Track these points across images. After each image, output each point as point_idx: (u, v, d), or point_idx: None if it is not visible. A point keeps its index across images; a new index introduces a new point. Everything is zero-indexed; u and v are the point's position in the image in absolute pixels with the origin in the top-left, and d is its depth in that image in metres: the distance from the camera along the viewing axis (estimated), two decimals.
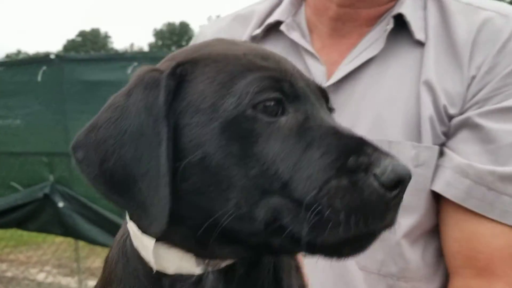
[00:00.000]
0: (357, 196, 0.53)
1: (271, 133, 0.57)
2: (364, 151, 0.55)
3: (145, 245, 0.65)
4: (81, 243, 5.89)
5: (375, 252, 1.01)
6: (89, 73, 5.35)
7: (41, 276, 6.52)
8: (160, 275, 0.65)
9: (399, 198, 0.55)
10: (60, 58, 5.58)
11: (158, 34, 64.13)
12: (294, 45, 1.18)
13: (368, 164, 0.54)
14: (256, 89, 0.58)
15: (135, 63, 5.22)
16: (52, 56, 5.62)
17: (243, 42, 0.74)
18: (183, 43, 61.62)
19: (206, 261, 0.62)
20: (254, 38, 1.23)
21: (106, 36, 64.93)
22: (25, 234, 7.01)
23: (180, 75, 0.62)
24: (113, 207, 5.26)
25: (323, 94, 0.66)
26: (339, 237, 0.53)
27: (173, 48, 59.51)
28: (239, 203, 0.56)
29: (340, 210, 0.52)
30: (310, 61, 1.15)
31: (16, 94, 5.65)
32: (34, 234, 6.59)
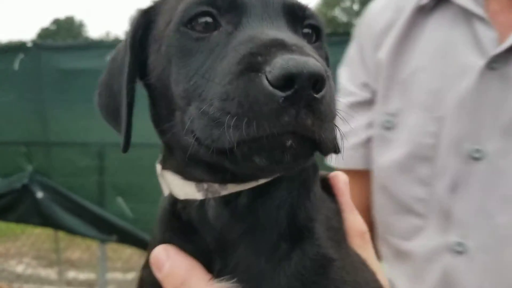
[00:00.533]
0: (244, 97, 0.50)
1: (199, 49, 0.59)
2: (269, 51, 0.51)
3: (159, 174, 0.72)
4: (60, 234, 5.84)
5: None
6: (67, 61, 5.27)
7: (20, 268, 6.46)
8: (176, 201, 0.69)
9: (303, 98, 0.49)
10: (37, 46, 5.48)
11: None
12: (464, 11, 1.12)
13: (262, 63, 0.50)
14: (186, 6, 0.60)
15: (114, 51, 5.15)
16: (29, 44, 5.50)
17: None
18: None
19: (205, 187, 0.63)
20: (422, 8, 1.19)
21: (81, 25, 63.76)
22: (3, 225, 6.92)
23: (152, 13, 0.68)
24: (94, 196, 5.25)
25: (288, 8, 0.61)
26: (230, 140, 0.51)
27: None
28: (179, 119, 0.58)
29: (228, 113, 0.51)
30: (478, 26, 1.09)
31: None
32: (12, 225, 6.51)
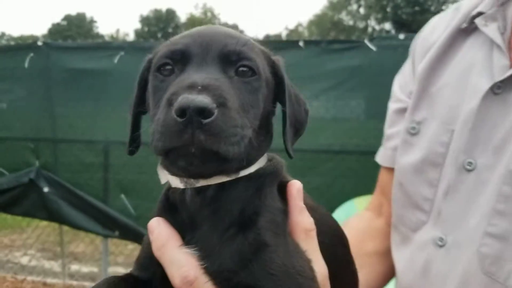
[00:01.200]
0: (161, 122, 0.75)
1: (162, 87, 0.83)
2: (180, 92, 0.74)
3: (158, 169, 0.92)
4: (65, 228, 5.99)
5: (506, 262, 1.10)
6: (76, 61, 5.42)
7: (24, 260, 6.62)
8: (169, 187, 0.90)
9: (194, 122, 0.72)
10: (47, 45, 5.63)
11: (145, 20, 63.50)
12: (490, 39, 1.24)
13: (174, 100, 0.74)
14: (157, 58, 0.86)
15: (122, 53, 5.31)
16: (39, 43, 5.66)
17: (211, 25, 0.94)
18: (169, 30, 61.10)
19: (185, 180, 0.85)
20: (461, 31, 1.31)
21: (92, 21, 64.07)
22: (9, 218, 7.09)
23: (152, 60, 0.91)
24: (98, 193, 5.39)
25: (223, 56, 0.83)
26: (159, 146, 0.75)
27: (159, 35, 58.91)
28: (154, 137, 0.79)
29: (158, 132, 0.75)
30: (495, 54, 1.21)
31: (3, 80, 5.71)
32: (18, 218, 6.67)
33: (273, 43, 5.45)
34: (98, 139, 5.47)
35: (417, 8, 48.19)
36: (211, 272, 0.80)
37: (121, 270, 6.39)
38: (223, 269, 0.79)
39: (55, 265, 6.42)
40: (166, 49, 0.85)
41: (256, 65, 0.85)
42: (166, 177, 0.89)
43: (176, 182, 0.86)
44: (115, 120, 5.41)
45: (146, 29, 62.59)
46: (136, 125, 0.94)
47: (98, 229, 5.47)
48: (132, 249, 6.91)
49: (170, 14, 62.71)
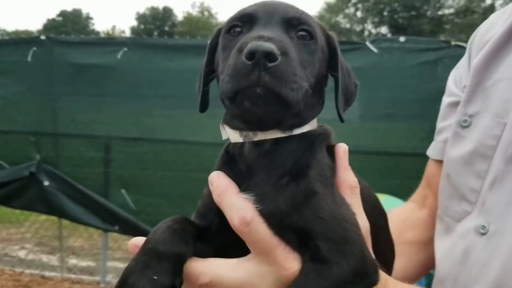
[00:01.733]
0: (232, 66, 0.84)
1: (231, 45, 0.92)
2: (249, 41, 0.83)
3: (221, 126, 1.02)
4: (64, 222, 6.01)
5: None
6: (79, 56, 5.44)
7: (22, 253, 6.63)
8: (229, 143, 1.00)
9: (261, 64, 0.80)
10: (51, 39, 5.63)
11: (141, 18, 63.27)
12: None
13: (244, 47, 0.83)
14: (227, 22, 0.97)
15: (125, 48, 5.34)
16: (42, 37, 5.68)
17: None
18: (166, 28, 60.98)
19: (244, 134, 0.95)
20: None
21: (88, 18, 63.85)
22: (8, 211, 7.09)
23: (219, 30, 1.02)
24: (99, 187, 5.41)
25: (286, 20, 0.93)
26: (228, 88, 0.84)
27: (156, 33, 58.71)
28: (220, 85, 0.90)
29: (228, 75, 0.85)
30: None
31: (5, 73, 5.71)
32: (16, 211, 6.68)
33: None
34: (99, 133, 5.49)
35: (413, 13, 48.43)
36: (266, 214, 0.88)
37: (119, 265, 6.42)
38: (276, 212, 0.87)
39: (53, 259, 6.43)
40: (236, 14, 0.96)
41: (314, 30, 0.95)
42: (227, 133, 0.99)
43: (236, 137, 0.96)
44: (117, 115, 5.46)
45: (142, 26, 62.39)
46: (205, 85, 1.04)
47: (98, 223, 5.50)
48: None
49: (167, 12, 62.58)
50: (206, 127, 5.38)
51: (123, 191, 5.44)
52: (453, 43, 4.98)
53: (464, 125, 1.37)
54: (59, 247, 6.18)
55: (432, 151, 1.57)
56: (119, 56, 5.32)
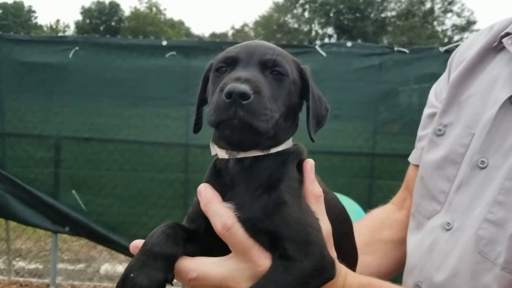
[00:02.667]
0: (215, 102, 1.02)
1: (219, 81, 1.09)
2: (229, 82, 1.01)
3: (211, 143, 1.18)
4: (13, 224, 5.88)
5: (498, 244, 1.25)
6: (28, 55, 5.35)
7: None
8: (217, 159, 1.16)
9: (237, 102, 0.98)
10: None
11: (86, 12, 61.48)
12: None
13: (224, 88, 1.00)
14: (215, 63, 1.15)
15: (77, 47, 5.29)
16: None
17: (258, 41, 1.23)
18: (113, 23, 59.54)
19: (229, 152, 1.12)
20: (492, 48, 1.47)
21: (30, 11, 61.37)
22: None
23: (211, 64, 1.21)
24: (48, 188, 5.33)
25: (262, 62, 1.11)
26: (212, 119, 1.03)
27: (102, 28, 57.17)
28: (209, 113, 1.06)
29: (211, 109, 1.04)
30: None
31: None
32: None
33: (224, 43, 5.54)
34: (49, 133, 5.42)
35: (358, 15, 49.73)
36: (243, 220, 1.04)
37: (69, 267, 6.35)
38: (251, 218, 1.04)
39: None
40: (222, 56, 1.16)
41: (286, 70, 1.13)
42: (215, 150, 1.15)
43: (223, 154, 1.13)
44: (68, 115, 5.39)
45: (87, 21, 60.66)
46: (198, 110, 1.22)
47: (48, 224, 5.43)
48: (80, 245, 6.85)
49: (114, 7, 61.13)
50: (159, 128, 5.43)
51: (73, 191, 5.39)
52: (396, 48, 5.26)
53: (439, 133, 1.53)
54: (6, 250, 6.03)
55: (412, 157, 1.71)
56: (70, 55, 5.27)
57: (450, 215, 1.42)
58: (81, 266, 6.52)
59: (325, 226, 1.10)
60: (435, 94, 1.68)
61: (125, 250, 5.32)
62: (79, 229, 5.41)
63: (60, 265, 6.22)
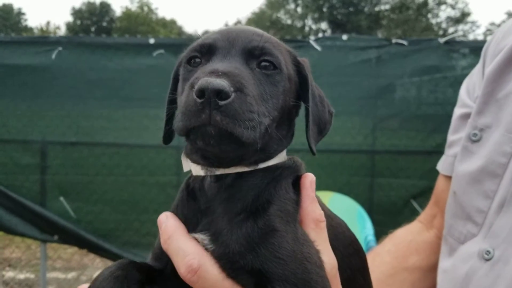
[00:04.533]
0: (183, 103, 0.80)
1: (190, 75, 0.86)
2: (202, 76, 0.79)
3: (182, 157, 0.95)
4: (0, 233, 5.66)
5: None
6: (9, 56, 5.11)
7: None
8: (191, 176, 0.94)
9: (211, 103, 0.76)
10: None
11: (77, 13, 61.03)
12: None
13: (195, 83, 0.78)
14: (187, 53, 0.92)
15: (60, 48, 5.07)
16: None
17: (239, 25, 0.98)
18: (104, 24, 59.18)
19: (207, 168, 0.89)
20: None
21: (20, 13, 60.88)
22: None
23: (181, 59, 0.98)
24: (35, 195, 5.12)
25: (247, 50, 0.88)
26: (180, 126, 0.80)
27: (93, 29, 56.89)
28: (177, 118, 0.83)
29: (178, 113, 0.81)
30: None
31: None
32: None
33: None
34: (34, 138, 5.19)
35: (351, 9, 49.58)
36: (218, 255, 0.81)
37: (60, 276, 6.13)
38: (229, 251, 0.80)
39: None
40: (196, 43, 0.92)
41: (278, 60, 0.88)
42: (188, 165, 0.93)
43: (198, 170, 0.91)
44: (53, 118, 5.17)
45: (78, 22, 60.24)
46: (169, 114, 0.97)
47: (36, 233, 5.20)
48: (71, 253, 6.64)
49: (104, 7, 60.73)
50: (149, 130, 5.22)
51: (61, 198, 5.17)
52: (394, 40, 5.06)
53: (474, 139, 1.27)
54: None
55: (441, 166, 1.46)
56: (53, 56, 5.05)
57: (489, 241, 1.16)
58: (73, 274, 6.32)
59: (329, 259, 0.86)
60: (467, 90, 1.41)
61: (117, 258, 5.10)
62: (69, 237, 5.18)
63: (52, 274, 6.02)
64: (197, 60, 0.90)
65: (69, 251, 6.41)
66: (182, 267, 0.81)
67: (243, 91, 0.79)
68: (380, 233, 2.23)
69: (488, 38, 1.39)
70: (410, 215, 2.11)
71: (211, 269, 0.80)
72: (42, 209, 5.15)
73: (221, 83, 0.76)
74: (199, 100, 0.76)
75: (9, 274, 6.14)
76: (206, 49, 0.89)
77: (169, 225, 0.87)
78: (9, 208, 5.12)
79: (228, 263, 0.80)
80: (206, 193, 0.89)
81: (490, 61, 1.33)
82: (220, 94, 0.76)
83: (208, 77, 0.77)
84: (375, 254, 1.25)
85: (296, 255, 0.80)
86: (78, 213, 5.16)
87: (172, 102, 0.96)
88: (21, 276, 6.16)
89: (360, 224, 4.22)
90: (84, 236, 5.10)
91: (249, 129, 0.78)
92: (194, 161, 0.91)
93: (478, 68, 1.41)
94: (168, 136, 0.99)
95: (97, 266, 6.44)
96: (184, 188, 0.94)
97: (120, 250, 5.09)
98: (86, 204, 5.16)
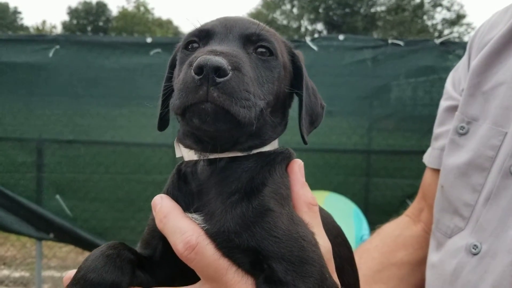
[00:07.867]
0: (181, 81, 0.81)
1: (187, 59, 0.86)
2: (200, 55, 0.80)
3: (175, 143, 0.96)
4: None
5: None
6: (6, 54, 5.11)
7: None
8: (183, 162, 0.95)
9: (209, 79, 0.77)
10: None
11: (73, 13, 60.82)
12: None
13: (194, 61, 0.79)
14: (185, 38, 0.95)
15: (57, 46, 5.07)
16: None
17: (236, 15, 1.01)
18: (100, 23, 59.01)
19: (199, 153, 0.90)
20: None
21: (16, 12, 60.63)
22: None
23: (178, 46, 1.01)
24: (31, 193, 5.11)
25: (244, 36, 0.90)
26: (177, 104, 0.81)
27: (89, 28, 56.73)
28: (174, 96, 0.85)
29: (175, 90, 0.82)
30: None
31: None
32: None
33: None
34: (30, 136, 5.18)
35: (347, 10, 49.65)
36: (212, 233, 0.81)
37: (55, 274, 6.12)
38: (224, 231, 0.80)
39: None
40: (194, 29, 0.94)
41: (274, 47, 0.91)
42: (181, 151, 0.93)
43: (191, 155, 0.91)
44: (49, 116, 5.17)
45: (74, 21, 60.01)
46: (164, 101, 0.97)
47: (31, 231, 5.18)
48: (66, 252, 6.63)
49: (101, 7, 60.55)
50: (145, 128, 5.22)
51: (57, 196, 5.17)
52: (390, 41, 5.09)
53: (461, 132, 1.27)
54: None
55: (428, 159, 1.45)
56: (50, 54, 5.04)
57: (476, 235, 1.15)
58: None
59: (324, 242, 0.86)
60: (452, 83, 1.41)
61: None
62: (65, 236, 5.18)
63: (47, 273, 6.00)
64: (195, 45, 0.92)
65: (65, 250, 6.39)
66: (179, 245, 0.80)
67: (240, 71, 0.81)
68: None
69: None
70: None
71: (208, 247, 0.80)
72: (38, 207, 5.13)
73: (220, 60, 0.78)
74: (197, 77, 0.77)
75: (4, 272, 6.13)
76: (204, 34, 0.91)
77: (164, 205, 0.87)
78: (5, 206, 5.11)
79: (223, 241, 0.80)
80: (198, 177, 0.89)
81: (475, 54, 1.34)
82: (218, 71, 0.77)
83: (207, 55, 0.79)
84: (363, 250, 1.24)
85: (292, 234, 0.81)
86: (74, 211, 5.16)
87: (168, 89, 0.96)
88: (16, 274, 6.15)
89: (356, 224, 4.24)
90: (80, 234, 5.09)
91: (245, 108, 0.79)
92: (187, 146, 0.92)
93: (463, 61, 1.41)
94: (163, 123, 1.01)
95: None
96: (175, 172, 0.94)
97: None
98: (82, 202, 5.16)
